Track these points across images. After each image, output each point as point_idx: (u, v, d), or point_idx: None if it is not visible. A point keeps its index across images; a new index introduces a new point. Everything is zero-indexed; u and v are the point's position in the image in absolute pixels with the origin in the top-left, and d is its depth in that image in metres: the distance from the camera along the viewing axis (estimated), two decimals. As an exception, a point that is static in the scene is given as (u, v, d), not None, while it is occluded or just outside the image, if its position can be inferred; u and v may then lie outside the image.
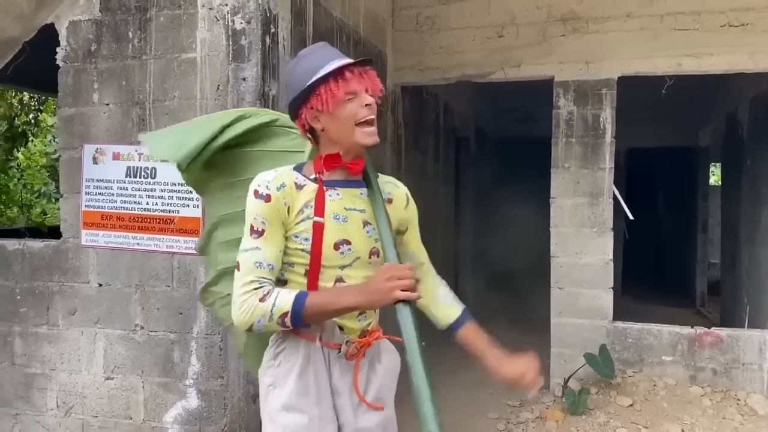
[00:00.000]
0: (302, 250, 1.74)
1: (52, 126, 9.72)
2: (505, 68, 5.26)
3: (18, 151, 9.04)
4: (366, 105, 1.72)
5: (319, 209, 1.74)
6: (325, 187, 1.77)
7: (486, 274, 8.47)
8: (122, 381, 3.35)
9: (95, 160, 3.37)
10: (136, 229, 3.29)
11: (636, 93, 5.69)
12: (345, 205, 1.77)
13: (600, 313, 5.02)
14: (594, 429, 4.28)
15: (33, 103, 9.00)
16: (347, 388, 1.85)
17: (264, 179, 1.74)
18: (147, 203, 3.27)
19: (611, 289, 5.04)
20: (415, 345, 1.63)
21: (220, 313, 2.14)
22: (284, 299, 1.68)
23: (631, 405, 4.51)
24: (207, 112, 3.13)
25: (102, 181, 3.35)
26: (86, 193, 3.39)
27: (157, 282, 3.28)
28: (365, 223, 1.79)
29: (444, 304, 1.98)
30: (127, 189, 3.31)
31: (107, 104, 3.36)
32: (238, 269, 1.72)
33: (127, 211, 3.31)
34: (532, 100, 6.31)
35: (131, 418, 3.34)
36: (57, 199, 11.25)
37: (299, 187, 1.75)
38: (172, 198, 3.22)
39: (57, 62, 3.44)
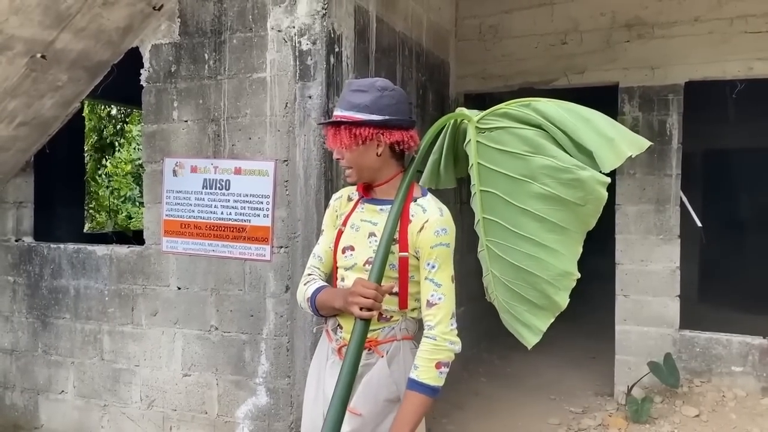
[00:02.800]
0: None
1: (137, 136, 10.31)
2: (568, 75, 5.28)
3: (107, 160, 9.66)
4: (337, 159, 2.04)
5: (346, 219, 2.08)
6: (361, 202, 2.07)
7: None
8: (198, 378, 3.60)
9: (175, 173, 3.64)
10: (211, 236, 3.54)
11: (711, 94, 5.57)
12: (362, 217, 2.04)
13: (666, 321, 4.95)
14: (657, 438, 4.25)
15: (119, 116, 9.59)
16: (331, 385, 1.92)
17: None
18: (221, 213, 3.51)
19: (678, 297, 4.96)
20: (350, 359, 1.79)
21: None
22: (311, 288, 2.04)
23: (698, 416, 4.44)
24: (276, 129, 3.35)
25: (181, 192, 3.62)
26: (167, 203, 3.66)
27: (231, 286, 3.51)
28: (370, 234, 2.00)
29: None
30: (203, 200, 3.56)
31: (186, 121, 3.62)
32: None
33: (204, 220, 3.56)
34: (595, 104, 6.25)
35: (206, 413, 3.58)
36: (141, 204, 11.90)
37: (350, 200, 2.12)
38: (244, 208, 3.45)
39: (141, 83, 3.74)
